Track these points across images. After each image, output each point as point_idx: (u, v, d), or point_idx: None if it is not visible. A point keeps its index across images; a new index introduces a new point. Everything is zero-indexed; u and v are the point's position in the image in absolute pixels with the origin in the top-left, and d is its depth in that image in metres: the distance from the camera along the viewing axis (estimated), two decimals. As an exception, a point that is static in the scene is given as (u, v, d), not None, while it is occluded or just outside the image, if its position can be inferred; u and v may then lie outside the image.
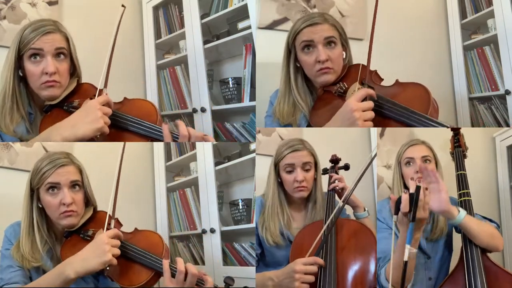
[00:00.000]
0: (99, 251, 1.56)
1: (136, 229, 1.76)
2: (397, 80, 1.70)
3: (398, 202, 1.43)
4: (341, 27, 1.78)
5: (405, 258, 1.30)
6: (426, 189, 1.47)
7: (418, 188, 1.40)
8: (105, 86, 1.69)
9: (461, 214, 1.60)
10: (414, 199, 1.39)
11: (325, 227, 1.74)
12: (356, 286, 1.67)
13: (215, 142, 1.64)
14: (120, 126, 1.69)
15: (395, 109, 1.62)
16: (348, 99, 1.63)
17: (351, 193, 1.82)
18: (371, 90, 1.64)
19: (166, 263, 1.62)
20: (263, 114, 1.99)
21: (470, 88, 2.45)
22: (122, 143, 1.73)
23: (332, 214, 1.76)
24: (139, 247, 1.67)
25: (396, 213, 1.44)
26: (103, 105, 1.62)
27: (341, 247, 1.73)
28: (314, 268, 1.64)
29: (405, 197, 1.41)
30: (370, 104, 1.61)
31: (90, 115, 1.56)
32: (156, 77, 2.66)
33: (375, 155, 1.97)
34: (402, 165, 1.96)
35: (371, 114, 1.61)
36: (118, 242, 1.62)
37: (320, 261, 1.65)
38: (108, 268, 1.57)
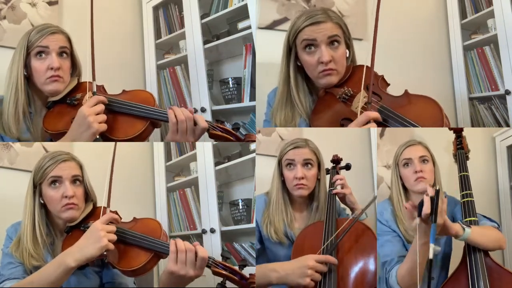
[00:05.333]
0: (94, 238, 1.59)
1: (134, 218, 1.79)
2: (406, 91, 1.63)
3: (421, 205, 1.44)
4: (345, 25, 1.71)
5: (431, 256, 1.33)
6: (445, 197, 1.49)
7: (437, 191, 1.43)
8: (94, 79, 1.76)
9: (466, 232, 1.58)
10: (435, 202, 1.42)
11: (331, 239, 1.73)
12: (356, 286, 1.67)
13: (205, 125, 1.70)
14: (121, 112, 1.75)
15: (402, 124, 1.56)
16: (350, 124, 1.57)
17: (358, 218, 1.79)
18: (374, 113, 1.56)
19: (173, 244, 1.63)
20: (263, 114, 1.98)
21: (470, 88, 2.45)
22: (122, 143, 1.75)
23: (337, 233, 1.73)
24: (137, 232, 1.70)
25: (420, 215, 1.45)
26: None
27: (342, 247, 1.73)
28: (325, 268, 1.63)
29: (427, 199, 1.42)
30: (373, 125, 1.55)
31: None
32: (156, 77, 2.66)
33: (375, 197, 1.97)
34: (400, 166, 1.94)
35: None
36: (113, 228, 1.64)
37: (333, 260, 1.64)
38: (106, 253, 1.61)
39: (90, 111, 1.66)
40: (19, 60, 1.75)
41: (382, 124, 1.60)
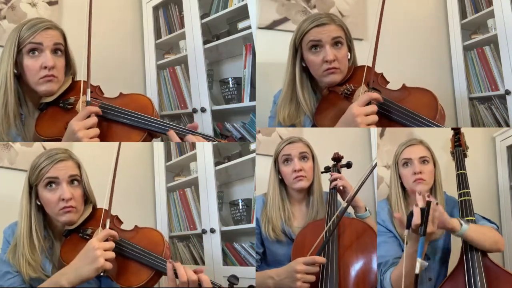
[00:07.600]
0: (90, 258, 1.51)
1: (136, 226, 1.72)
2: (403, 85, 1.71)
3: (410, 216, 1.43)
4: (347, 28, 1.81)
5: (417, 271, 1.31)
6: (437, 203, 1.48)
7: (428, 203, 1.42)
8: (88, 80, 1.67)
9: (463, 227, 1.58)
10: (425, 214, 1.41)
11: (326, 228, 1.74)
12: (358, 285, 1.67)
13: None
14: (116, 120, 1.68)
15: (402, 113, 1.63)
16: (352, 103, 1.64)
17: (354, 195, 1.81)
18: (375, 94, 1.65)
19: (170, 268, 1.56)
20: (263, 114, 1.99)
21: (470, 88, 2.45)
22: (123, 142, 1.72)
23: (335, 216, 1.76)
24: (139, 246, 1.62)
25: (408, 227, 1.44)
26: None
27: (343, 246, 1.73)
28: (316, 268, 1.64)
29: (416, 210, 1.42)
30: (374, 108, 1.62)
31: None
32: (156, 77, 2.66)
33: (375, 164, 1.96)
34: (399, 165, 1.93)
35: (374, 118, 1.61)
36: (111, 245, 1.56)
37: (320, 259, 1.64)
38: (102, 274, 1.54)
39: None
40: (9, 57, 1.62)
41: (385, 116, 1.65)
